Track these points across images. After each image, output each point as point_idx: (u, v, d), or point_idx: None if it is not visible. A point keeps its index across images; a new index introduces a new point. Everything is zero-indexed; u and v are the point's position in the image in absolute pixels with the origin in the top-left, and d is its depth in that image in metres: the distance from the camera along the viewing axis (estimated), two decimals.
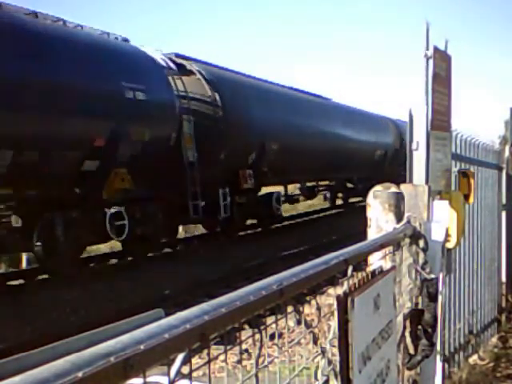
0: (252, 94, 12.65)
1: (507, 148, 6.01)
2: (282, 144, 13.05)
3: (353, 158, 17.66)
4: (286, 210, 18.05)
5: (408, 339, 2.41)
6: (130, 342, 0.79)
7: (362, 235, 2.43)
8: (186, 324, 0.90)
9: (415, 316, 2.45)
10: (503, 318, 5.68)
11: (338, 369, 1.55)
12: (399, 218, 2.45)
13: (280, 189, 16.45)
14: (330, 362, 1.61)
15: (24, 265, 11.01)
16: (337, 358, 1.54)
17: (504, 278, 5.92)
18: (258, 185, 12.89)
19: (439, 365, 3.20)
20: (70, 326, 6.38)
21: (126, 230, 9.17)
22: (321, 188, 20.97)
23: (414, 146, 3.21)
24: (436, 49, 3.29)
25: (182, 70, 11.11)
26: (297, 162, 14.02)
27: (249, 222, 14.34)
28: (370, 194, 2.51)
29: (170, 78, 10.29)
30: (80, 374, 0.68)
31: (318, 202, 22.15)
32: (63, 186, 8.11)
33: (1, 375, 0.69)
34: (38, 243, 8.25)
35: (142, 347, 0.79)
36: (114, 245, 13.30)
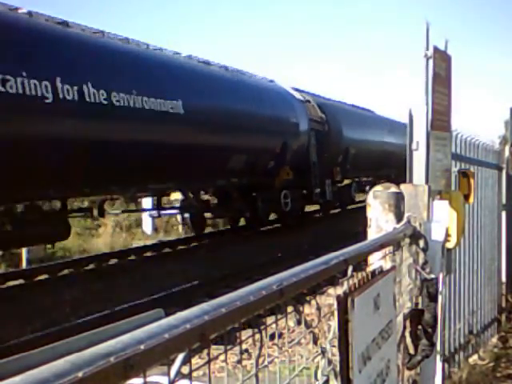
0: (341, 113, 17.98)
1: (507, 148, 6.01)
2: (357, 149, 18.26)
3: (391, 158, 21.37)
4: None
5: (408, 339, 2.41)
6: (130, 341, 0.79)
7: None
8: (186, 324, 0.90)
9: (415, 316, 2.45)
10: (503, 318, 5.68)
11: (338, 369, 1.55)
12: (399, 217, 2.45)
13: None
14: (330, 362, 1.61)
15: (24, 265, 11.01)
16: (337, 358, 1.54)
17: (504, 278, 5.92)
18: (342, 178, 18.20)
19: (439, 365, 3.20)
20: (69, 326, 6.38)
21: (289, 204, 14.61)
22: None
23: (414, 146, 3.21)
24: (436, 49, 3.29)
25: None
26: (365, 162, 19.19)
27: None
28: (370, 193, 2.51)
29: (306, 107, 15.73)
30: (80, 374, 0.68)
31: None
32: (261, 176, 13.50)
33: (1, 375, 0.69)
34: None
35: (142, 347, 0.79)
36: (115, 244, 13.31)
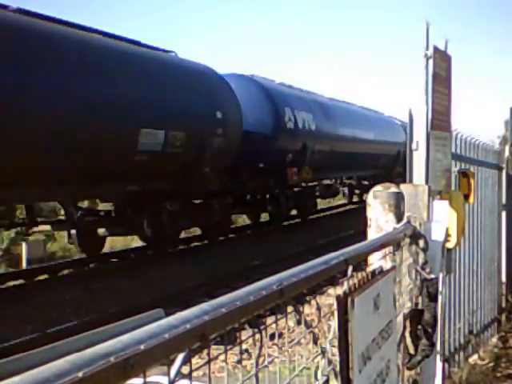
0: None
1: (507, 148, 6.01)
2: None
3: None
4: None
5: (408, 339, 2.41)
6: (130, 341, 0.79)
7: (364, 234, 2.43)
8: (186, 324, 0.90)
9: (415, 316, 2.45)
10: (503, 317, 5.68)
11: (338, 369, 1.54)
12: (399, 217, 2.45)
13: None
14: (330, 362, 1.61)
15: (24, 265, 11.01)
16: (337, 358, 1.54)
17: (504, 278, 5.92)
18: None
19: (439, 365, 3.20)
20: (69, 326, 6.38)
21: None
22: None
23: (414, 145, 3.21)
24: (436, 49, 3.29)
25: None
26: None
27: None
28: (370, 193, 2.51)
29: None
30: (80, 374, 0.68)
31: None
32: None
33: (1, 375, 0.69)
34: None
35: (142, 347, 0.79)
36: (115, 244, 13.30)
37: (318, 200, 18.54)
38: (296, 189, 15.33)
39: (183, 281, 9.00)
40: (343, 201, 23.63)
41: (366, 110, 21.15)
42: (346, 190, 22.12)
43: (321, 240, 13.09)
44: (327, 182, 18.84)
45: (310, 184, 16.58)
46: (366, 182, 21.11)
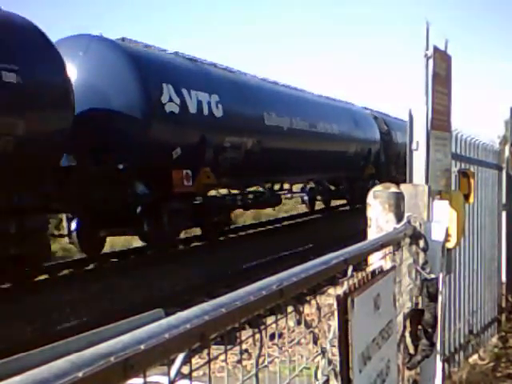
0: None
1: (507, 148, 6.01)
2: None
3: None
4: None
5: (408, 339, 2.42)
6: (130, 341, 0.79)
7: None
8: (186, 324, 0.90)
9: (415, 316, 2.45)
10: (503, 317, 5.68)
11: (338, 369, 1.54)
12: (399, 217, 2.45)
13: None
14: (330, 362, 1.61)
15: None
16: (337, 358, 1.54)
17: (504, 278, 5.92)
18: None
19: (439, 365, 3.20)
20: (69, 326, 6.38)
21: None
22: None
23: (413, 145, 3.21)
24: (436, 49, 3.29)
25: None
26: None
27: None
28: (370, 193, 2.51)
29: None
30: (80, 374, 0.68)
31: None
32: None
33: (1, 375, 0.69)
34: None
35: (142, 347, 0.79)
36: (115, 244, 13.30)
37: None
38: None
39: (183, 281, 8.99)
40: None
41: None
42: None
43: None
44: (261, 188, 14.25)
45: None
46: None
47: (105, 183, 9.03)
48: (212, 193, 12.30)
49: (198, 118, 10.38)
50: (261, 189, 14.22)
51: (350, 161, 17.24)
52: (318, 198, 19.37)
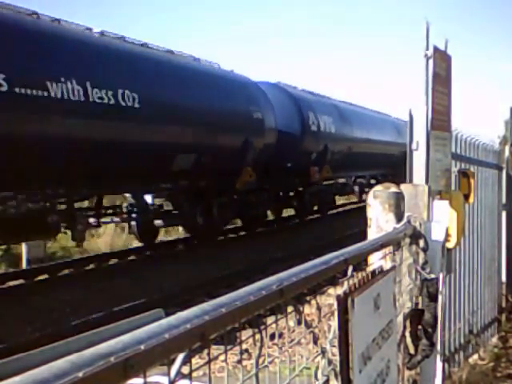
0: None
1: (507, 148, 6.01)
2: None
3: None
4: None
5: (408, 339, 2.42)
6: (130, 341, 0.79)
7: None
8: (186, 324, 0.90)
9: (415, 316, 2.45)
10: (503, 317, 5.68)
11: (338, 369, 1.54)
12: (399, 217, 2.45)
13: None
14: (330, 362, 1.61)
15: (24, 265, 11.00)
16: (337, 358, 1.54)
17: (504, 278, 5.92)
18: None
19: (439, 365, 3.20)
20: (70, 326, 6.38)
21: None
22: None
23: (413, 145, 3.21)
24: (436, 49, 3.29)
25: None
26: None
27: None
28: (370, 193, 2.51)
29: None
30: (80, 374, 0.68)
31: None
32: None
33: (1, 375, 0.69)
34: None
35: (142, 347, 0.79)
36: (115, 245, 13.31)
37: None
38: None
39: (183, 281, 9.00)
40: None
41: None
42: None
43: (339, 234, 13.66)
44: (342, 180, 19.65)
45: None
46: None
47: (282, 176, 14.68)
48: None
49: (324, 133, 15.58)
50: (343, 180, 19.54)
51: (393, 161, 20.67)
52: (366, 190, 22.47)
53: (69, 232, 9.24)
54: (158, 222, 12.05)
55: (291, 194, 16.36)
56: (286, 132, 13.98)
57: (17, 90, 6.95)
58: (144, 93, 9.07)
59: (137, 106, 8.85)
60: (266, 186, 14.08)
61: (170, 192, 11.91)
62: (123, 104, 8.61)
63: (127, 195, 11.62)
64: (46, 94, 7.35)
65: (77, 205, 9.63)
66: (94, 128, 8.25)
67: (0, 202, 7.44)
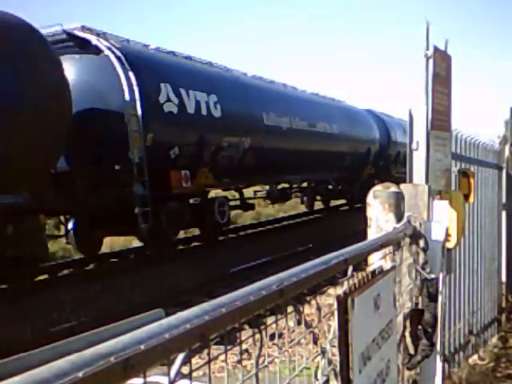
0: None
1: (507, 148, 6.01)
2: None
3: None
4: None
5: (408, 339, 2.42)
6: (130, 341, 0.79)
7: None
8: (186, 324, 0.90)
9: (415, 316, 2.45)
10: (503, 317, 5.68)
11: (338, 369, 1.55)
12: (399, 217, 2.45)
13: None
14: (330, 362, 1.61)
15: None
16: (337, 358, 1.54)
17: (504, 278, 5.92)
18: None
19: (439, 365, 3.19)
20: (69, 326, 6.39)
21: None
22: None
23: (413, 145, 3.21)
24: (436, 49, 3.29)
25: None
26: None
27: None
28: (370, 193, 2.51)
29: None
30: (80, 374, 0.68)
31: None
32: None
33: (1, 375, 0.69)
34: None
35: (142, 347, 0.79)
36: (115, 244, 13.30)
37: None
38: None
39: (183, 281, 9.00)
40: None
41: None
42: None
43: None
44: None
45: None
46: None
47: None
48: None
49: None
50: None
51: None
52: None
53: None
54: None
55: None
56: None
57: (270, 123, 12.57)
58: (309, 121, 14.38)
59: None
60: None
61: None
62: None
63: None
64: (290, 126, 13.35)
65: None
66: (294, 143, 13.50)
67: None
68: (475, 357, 4.61)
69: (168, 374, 0.95)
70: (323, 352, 1.60)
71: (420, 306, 2.49)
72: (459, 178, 3.97)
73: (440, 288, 2.80)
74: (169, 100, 9.54)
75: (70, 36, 9.06)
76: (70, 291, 8.18)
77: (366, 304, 1.66)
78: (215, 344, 1.22)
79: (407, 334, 2.41)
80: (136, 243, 13.27)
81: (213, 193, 12.44)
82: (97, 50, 8.96)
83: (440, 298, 2.83)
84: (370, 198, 2.50)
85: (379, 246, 1.96)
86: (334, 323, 1.52)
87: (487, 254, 5.27)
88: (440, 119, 3.43)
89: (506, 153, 5.97)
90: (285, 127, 13.18)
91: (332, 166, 16.37)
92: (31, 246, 7.94)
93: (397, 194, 2.49)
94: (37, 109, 7.13)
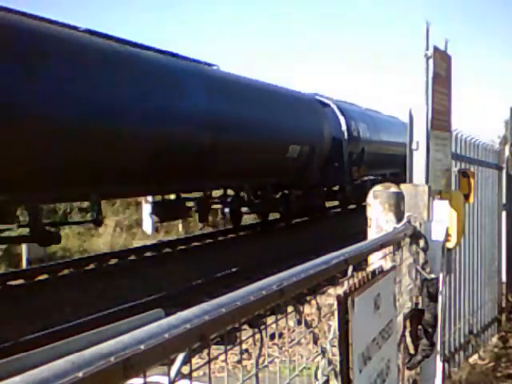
0: None
1: (507, 148, 6.01)
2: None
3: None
4: None
5: (408, 339, 2.41)
6: (130, 341, 0.79)
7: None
8: (186, 324, 0.89)
9: (415, 316, 2.45)
10: (503, 317, 5.68)
11: (338, 369, 1.54)
12: (399, 217, 2.45)
13: None
14: (330, 362, 1.61)
15: (24, 265, 11.01)
16: (337, 358, 1.54)
17: (504, 278, 5.92)
18: None
19: (439, 365, 3.20)
20: (69, 326, 6.38)
21: None
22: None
23: (414, 145, 3.21)
24: (436, 49, 3.29)
25: None
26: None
27: None
28: (370, 193, 2.51)
29: None
30: (80, 374, 0.68)
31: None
32: None
33: (1, 375, 0.69)
34: None
35: (142, 347, 0.79)
36: (115, 244, 13.31)
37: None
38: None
39: (183, 281, 9.00)
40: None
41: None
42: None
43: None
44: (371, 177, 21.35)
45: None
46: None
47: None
48: None
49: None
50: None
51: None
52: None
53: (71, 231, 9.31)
54: None
55: None
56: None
57: None
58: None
59: None
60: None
61: None
62: None
63: None
64: None
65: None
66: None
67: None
68: (475, 357, 4.62)
69: (168, 374, 0.95)
70: (323, 352, 1.60)
71: (420, 306, 2.49)
72: (459, 178, 3.97)
73: (440, 288, 2.80)
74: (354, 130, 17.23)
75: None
76: (70, 291, 8.18)
77: (366, 304, 1.66)
78: (215, 344, 1.22)
79: (407, 333, 2.41)
80: (136, 243, 13.28)
81: None
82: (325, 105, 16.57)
83: (440, 298, 2.83)
84: (370, 198, 2.49)
85: (379, 245, 1.96)
86: (334, 323, 1.52)
87: (487, 254, 5.27)
88: (440, 119, 3.43)
89: (506, 153, 5.97)
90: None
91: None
92: None
93: (397, 194, 2.49)
94: None
